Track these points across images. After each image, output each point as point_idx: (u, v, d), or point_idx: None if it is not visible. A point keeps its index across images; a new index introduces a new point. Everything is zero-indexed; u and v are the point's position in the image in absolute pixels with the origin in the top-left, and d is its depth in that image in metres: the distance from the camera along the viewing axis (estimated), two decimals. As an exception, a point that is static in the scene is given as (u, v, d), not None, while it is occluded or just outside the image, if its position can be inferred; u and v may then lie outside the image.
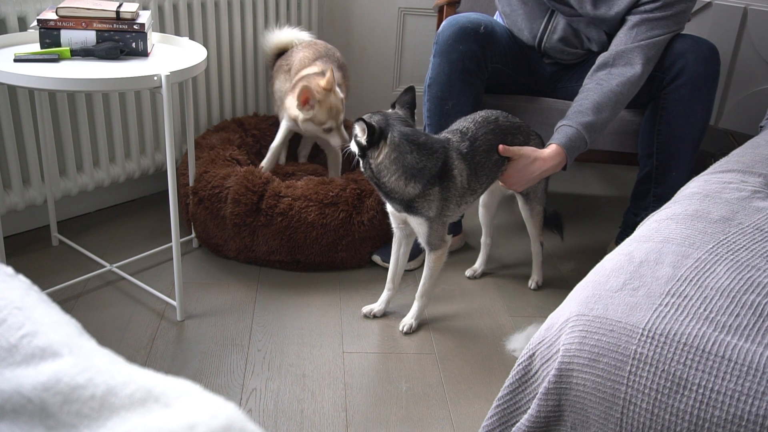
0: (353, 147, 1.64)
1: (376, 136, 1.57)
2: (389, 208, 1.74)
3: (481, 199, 2.02)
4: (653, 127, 1.97)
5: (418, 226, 1.69)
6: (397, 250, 1.83)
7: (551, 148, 1.76)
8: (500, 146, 1.72)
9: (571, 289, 1.15)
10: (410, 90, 1.68)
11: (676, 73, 1.89)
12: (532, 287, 2.05)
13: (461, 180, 1.66)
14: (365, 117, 1.58)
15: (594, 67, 1.87)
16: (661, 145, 1.97)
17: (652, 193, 2.02)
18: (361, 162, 1.64)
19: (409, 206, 1.65)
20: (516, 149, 1.74)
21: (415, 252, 2.01)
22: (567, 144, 1.75)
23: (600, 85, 1.81)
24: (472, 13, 1.94)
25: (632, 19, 1.85)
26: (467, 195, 1.71)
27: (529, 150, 1.75)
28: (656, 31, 1.82)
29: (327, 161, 2.31)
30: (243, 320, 1.81)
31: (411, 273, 2.07)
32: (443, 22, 1.91)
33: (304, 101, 1.98)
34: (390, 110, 1.68)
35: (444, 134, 1.71)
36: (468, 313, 1.92)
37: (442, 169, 1.63)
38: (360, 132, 1.58)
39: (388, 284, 1.86)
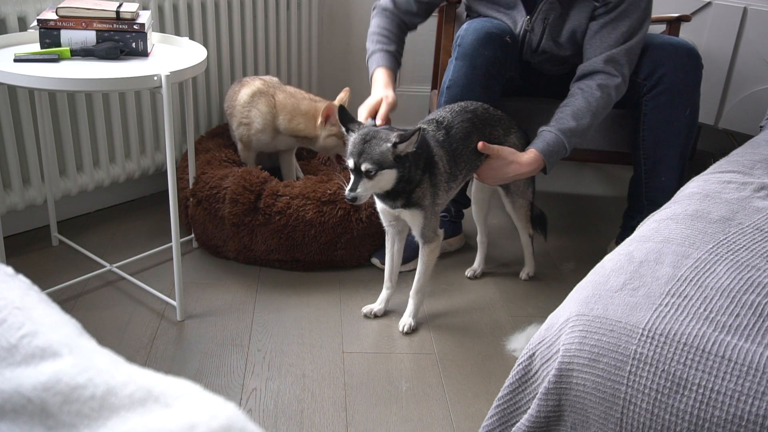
0: (387, 177, 1.56)
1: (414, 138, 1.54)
2: (380, 206, 1.74)
3: (473, 195, 2.04)
4: (638, 133, 1.97)
5: (415, 218, 1.69)
6: (392, 248, 1.83)
7: (530, 154, 1.78)
8: (480, 143, 1.74)
9: (571, 289, 1.15)
10: (341, 108, 1.66)
11: (655, 81, 1.89)
12: (523, 278, 2.08)
13: (443, 165, 1.69)
14: (398, 133, 1.54)
15: (575, 77, 1.87)
16: (647, 150, 1.98)
17: (645, 196, 2.02)
18: (398, 180, 1.58)
19: (409, 198, 1.65)
20: (496, 149, 1.76)
21: (411, 256, 2.01)
22: (545, 150, 1.78)
23: (582, 90, 1.82)
24: (494, 20, 1.93)
25: (593, 27, 1.84)
26: (451, 181, 1.74)
27: (507, 152, 1.77)
28: (620, 28, 1.81)
29: (281, 167, 2.37)
30: (243, 320, 1.81)
31: (411, 273, 2.06)
32: (466, 25, 1.89)
33: (326, 118, 2.09)
34: (360, 127, 1.64)
35: (419, 124, 1.71)
36: (468, 313, 1.92)
37: (427, 157, 1.65)
38: (413, 142, 1.54)
39: (386, 283, 1.86)
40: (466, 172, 1.79)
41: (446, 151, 1.70)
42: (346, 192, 1.57)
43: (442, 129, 1.72)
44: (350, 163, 1.57)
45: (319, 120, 2.12)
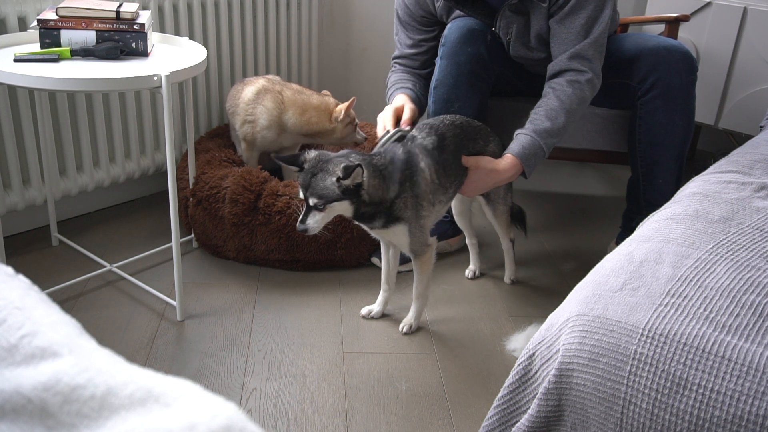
0: (339, 208, 1.54)
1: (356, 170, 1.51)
2: (366, 228, 1.70)
3: (453, 208, 2.01)
4: (634, 136, 1.97)
5: (398, 236, 1.67)
6: (386, 252, 1.82)
7: (507, 160, 1.76)
8: (462, 157, 1.73)
9: (571, 289, 1.15)
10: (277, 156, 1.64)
11: (649, 86, 1.88)
12: (507, 282, 2.07)
13: (430, 174, 1.65)
14: (343, 166, 1.49)
15: (547, 77, 1.85)
16: (643, 153, 1.97)
17: (642, 198, 2.02)
18: (354, 209, 1.56)
19: (389, 214, 1.62)
20: (474, 161, 1.74)
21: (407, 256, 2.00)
22: (521, 153, 1.76)
23: (554, 89, 1.80)
24: (478, 20, 1.92)
25: (552, 25, 1.83)
26: (439, 192, 1.70)
27: (484, 162, 1.75)
28: (578, 21, 1.78)
29: (281, 167, 2.36)
30: (243, 320, 1.81)
31: (410, 273, 2.06)
32: (450, 24, 1.89)
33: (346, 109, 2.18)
34: (310, 155, 1.57)
35: (412, 133, 1.71)
36: (468, 313, 1.92)
37: (408, 167, 1.62)
38: (358, 175, 1.50)
39: (384, 285, 1.86)
40: (455, 187, 1.76)
41: (435, 161, 1.67)
42: (297, 223, 1.55)
43: (433, 134, 1.69)
44: (301, 194, 1.55)
45: (342, 111, 2.16)
